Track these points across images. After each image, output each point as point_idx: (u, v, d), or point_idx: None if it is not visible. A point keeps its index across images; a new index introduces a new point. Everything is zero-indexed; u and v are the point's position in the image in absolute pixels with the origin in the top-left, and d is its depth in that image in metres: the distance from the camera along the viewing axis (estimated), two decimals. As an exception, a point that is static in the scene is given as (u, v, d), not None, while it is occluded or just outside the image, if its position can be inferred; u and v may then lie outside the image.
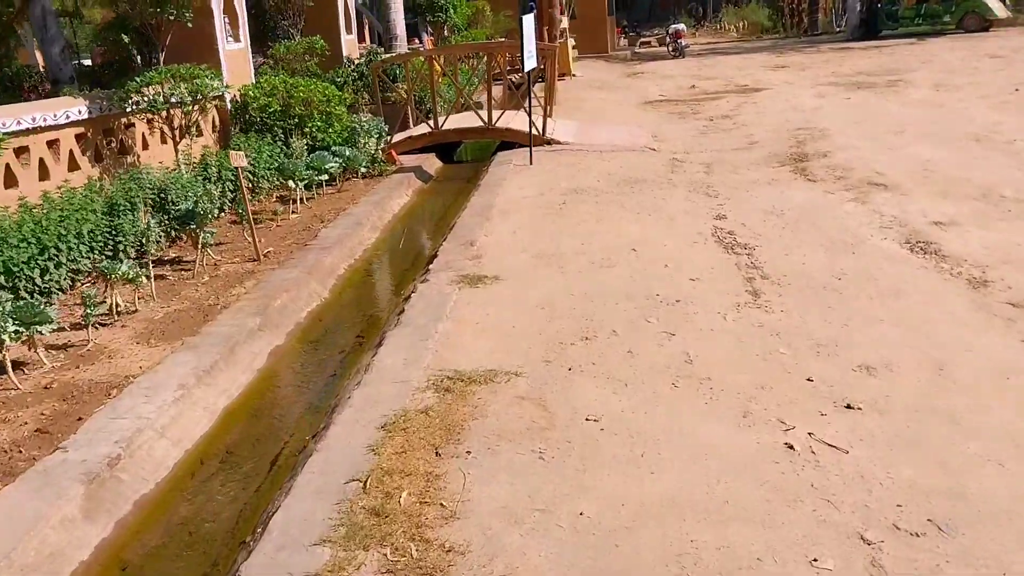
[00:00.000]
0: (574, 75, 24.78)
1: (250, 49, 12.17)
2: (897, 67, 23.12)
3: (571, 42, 25.30)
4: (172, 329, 6.74)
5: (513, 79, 25.12)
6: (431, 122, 13.17)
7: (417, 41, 20.93)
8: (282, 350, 6.59)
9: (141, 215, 8.05)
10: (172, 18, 10.60)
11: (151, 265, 7.76)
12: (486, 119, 13.03)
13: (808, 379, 5.13)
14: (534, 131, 13.12)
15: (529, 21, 11.20)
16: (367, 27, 34.84)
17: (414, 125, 13.53)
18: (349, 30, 16.73)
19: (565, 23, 24.61)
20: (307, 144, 11.21)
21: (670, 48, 32.66)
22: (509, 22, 27.92)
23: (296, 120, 11.10)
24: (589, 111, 17.72)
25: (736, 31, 46.26)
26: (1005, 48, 25.85)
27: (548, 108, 15.23)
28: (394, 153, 12.41)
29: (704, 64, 29.12)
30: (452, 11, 20.91)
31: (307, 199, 10.46)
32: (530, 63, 11.31)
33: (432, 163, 13.05)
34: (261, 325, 6.54)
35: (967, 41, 29.60)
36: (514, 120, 13.25)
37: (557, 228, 8.57)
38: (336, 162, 10.73)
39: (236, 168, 8.42)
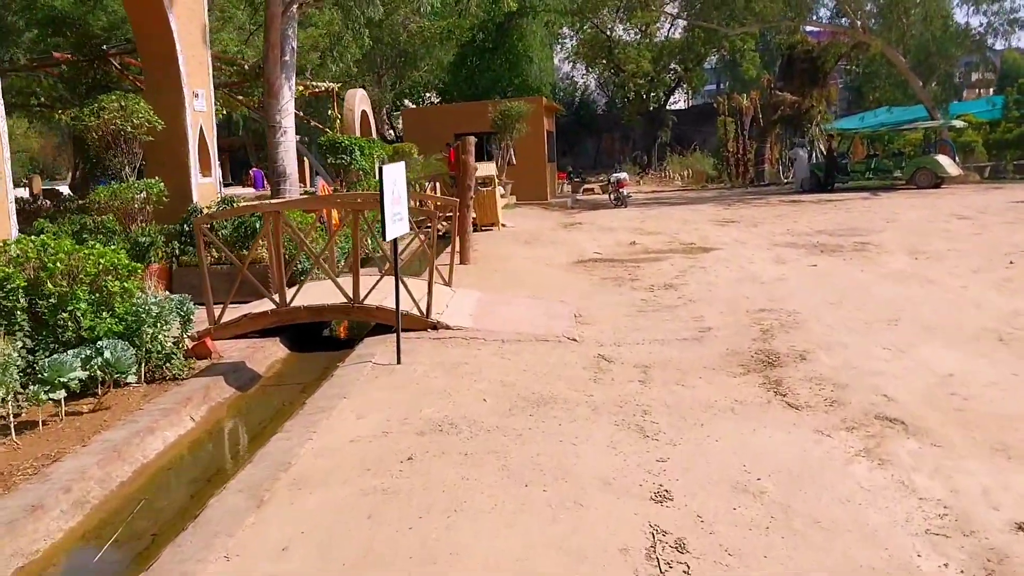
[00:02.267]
0: (503, 225, 21.59)
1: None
2: (859, 226, 20.27)
3: (500, 191, 22.20)
4: None
5: (440, 229, 21.90)
6: (279, 295, 9.53)
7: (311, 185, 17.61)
8: None
9: None
10: None
11: None
12: (352, 293, 9.43)
13: None
14: (416, 311, 9.53)
15: (395, 172, 7.76)
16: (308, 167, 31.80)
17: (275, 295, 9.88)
18: (207, 171, 13.26)
19: (492, 170, 21.54)
20: (72, 335, 7.48)
21: (612, 197, 29.95)
22: (441, 165, 24.93)
23: (53, 301, 7.40)
24: (507, 274, 14.29)
25: (681, 180, 44.21)
26: (968, 208, 23.31)
27: (449, 275, 11.74)
28: (209, 343, 8.70)
29: (647, 215, 26.23)
30: (358, 153, 17.64)
31: (34, 424, 6.65)
32: (396, 228, 7.82)
33: (271, 353, 9.34)
34: None
35: (923, 198, 27.22)
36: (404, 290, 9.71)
37: (367, 541, 4.57)
38: (90, 367, 6.97)
39: None
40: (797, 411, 7.09)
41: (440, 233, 21.84)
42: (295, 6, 16.09)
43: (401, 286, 9.25)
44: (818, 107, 38.98)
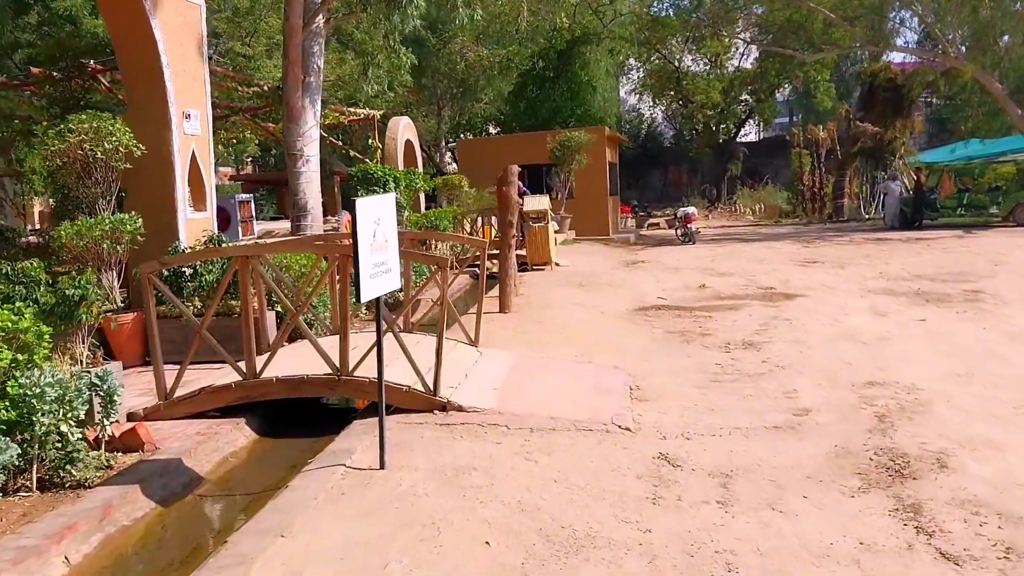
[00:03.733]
0: (557, 264, 19.24)
1: None
2: (963, 270, 17.40)
3: (553, 226, 19.88)
4: None
5: (477, 270, 19.67)
6: (247, 362, 7.31)
7: (335, 220, 15.51)
8: None
9: None
10: None
11: None
12: (339, 360, 7.16)
13: None
14: (420, 385, 7.23)
15: (375, 208, 5.51)
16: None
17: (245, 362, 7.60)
18: (201, 205, 11.18)
19: (545, 203, 19.24)
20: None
21: (679, 233, 27.39)
22: (493, 199, 22.69)
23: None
24: (552, 327, 11.90)
25: (752, 214, 41.34)
26: (1087, 248, 20.26)
27: (475, 331, 9.44)
28: (142, 430, 6.50)
29: (718, 253, 23.59)
30: (392, 185, 15.50)
31: None
32: (378, 285, 5.55)
33: (230, 440, 7.09)
34: None
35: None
36: (414, 349, 7.42)
37: None
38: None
39: None
40: (958, 569, 4.57)
41: (489, 273, 19.64)
42: (320, 18, 14.08)
43: (403, 352, 6.98)
44: (901, 139, 35.95)
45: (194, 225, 10.86)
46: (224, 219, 18.80)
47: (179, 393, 7.44)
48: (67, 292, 6.98)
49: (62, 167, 9.71)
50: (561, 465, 6.11)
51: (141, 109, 10.71)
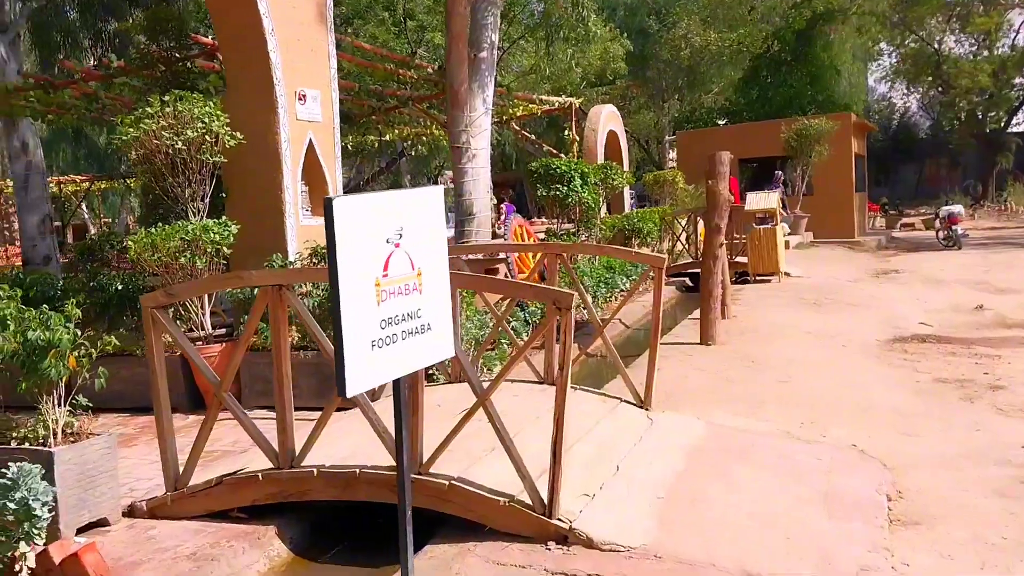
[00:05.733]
0: (786, 275, 15.68)
1: None
2: None
3: (783, 228, 16.33)
4: None
5: (688, 280, 16.46)
6: (280, 442, 4.81)
7: (501, 228, 12.85)
8: None
9: None
10: None
11: None
12: (411, 448, 4.49)
13: None
14: (525, 497, 4.41)
15: (367, 212, 2.70)
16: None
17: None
18: (321, 209, 8.88)
19: (772, 202, 15.72)
20: None
21: (941, 236, 22.71)
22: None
23: None
24: (768, 369, 8.66)
25: (1029, 214, 34.90)
26: None
27: (647, 388, 6.49)
28: (89, 557, 4.15)
29: (992, 261, 18.90)
30: (579, 182, 12.73)
31: None
32: (401, 357, 2.82)
33: (244, 564, 4.55)
34: None
35: None
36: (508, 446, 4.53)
37: None
38: None
39: None
40: None
41: (688, 286, 16.39)
42: (493, -18, 11.57)
43: (499, 435, 4.26)
44: None
45: (311, 234, 8.60)
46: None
47: (197, 478, 5.07)
48: (28, 336, 4.78)
49: (141, 161, 7.75)
50: None
51: (239, 88, 8.59)
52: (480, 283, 5.40)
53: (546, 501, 4.41)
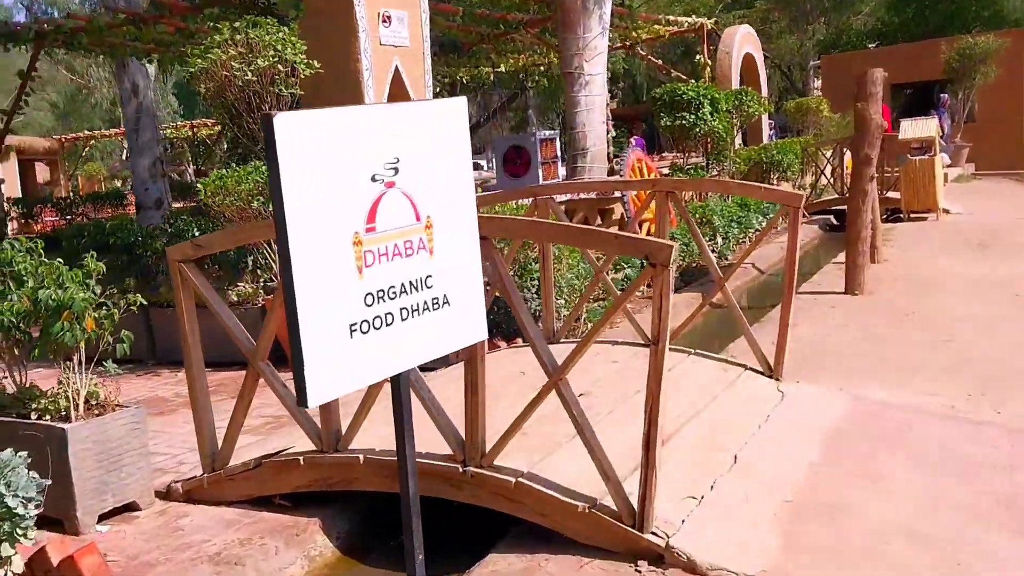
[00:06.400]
0: (945, 212, 13.90)
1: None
2: None
3: (942, 159, 14.47)
4: None
5: (832, 219, 14.85)
6: (323, 423, 4.02)
7: (618, 164, 11.61)
8: None
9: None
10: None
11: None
12: (465, 434, 3.63)
13: None
14: (609, 501, 3.47)
15: (334, 134, 1.73)
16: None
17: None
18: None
19: (931, 129, 13.86)
20: None
21: None
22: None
23: None
24: (925, 325, 7.30)
25: None
26: None
27: (777, 354, 5.41)
28: (87, 561, 3.46)
29: None
30: (708, 109, 11.41)
31: None
32: (402, 344, 2.01)
33: (282, 561, 3.81)
34: None
35: None
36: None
37: None
38: None
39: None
40: None
41: (833, 225, 14.75)
42: None
43: (577, 425, 3.38)
44: None
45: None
46: (524, 161, 15.84)
47: (236, 459, 4.37)
48: (38, 296, 4.14)
49: (213, 97, 7.07)
50: None
51: (314, 10, 7.72)
52: (545, 231, 4.37)
53: (636, 509, 3.45)
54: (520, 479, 3.67)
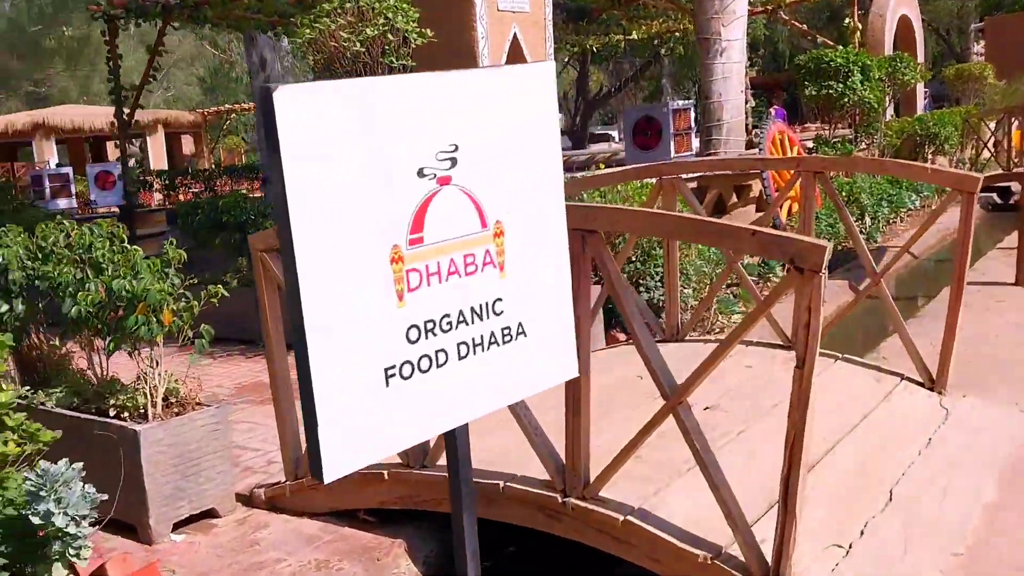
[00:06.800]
0: None
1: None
2: None
3: None
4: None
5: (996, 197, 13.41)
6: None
7: (757, 137, 10.64)
8: None
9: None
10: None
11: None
12: (565, 454, 3.10)
13: None
14: (736, 550, 2.86)
15: (360, 115, 1.22)
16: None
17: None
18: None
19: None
20: None
21: None
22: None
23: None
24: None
25: None
26: None
27: (942, 363, 4.62)
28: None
29: None
30: (858, 76, 10.37)
31: None
32: (446, 394, 1.50)
33: None
34: None
35: None
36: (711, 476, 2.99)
37: None
38: None
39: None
40: None
41: (997, 204, 13.27)
42: None
43: (697, 456, 2.79)
44: None
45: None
46: (655, 132, 15.08)
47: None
48: (112, 287, 3.83)
49: (322, 69, 6.72)
50: None
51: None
52: (667, 225, 3.69)
53: (771, 563, 2.84)
54: (629, 516, 3.11)
